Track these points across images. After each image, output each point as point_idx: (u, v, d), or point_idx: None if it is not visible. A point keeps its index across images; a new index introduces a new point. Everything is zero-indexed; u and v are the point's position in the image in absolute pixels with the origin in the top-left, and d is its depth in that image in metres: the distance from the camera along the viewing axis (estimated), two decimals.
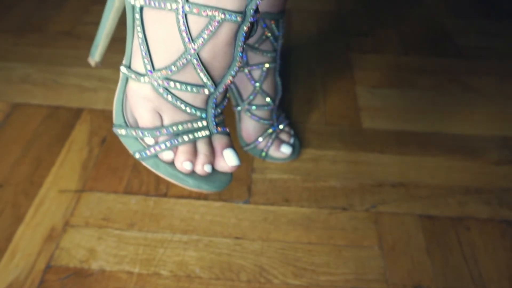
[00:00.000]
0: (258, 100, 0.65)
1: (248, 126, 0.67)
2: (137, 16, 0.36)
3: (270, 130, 0.67)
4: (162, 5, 0.34)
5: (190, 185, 0.40)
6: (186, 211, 0.61)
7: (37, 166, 0.66)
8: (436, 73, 0.87)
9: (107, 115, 0.75)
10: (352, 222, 0.60)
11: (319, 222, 0.60)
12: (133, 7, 0.37)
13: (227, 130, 0.42)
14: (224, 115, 0.43)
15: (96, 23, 0.99)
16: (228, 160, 0.40)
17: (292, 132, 0.69)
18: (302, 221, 0.60)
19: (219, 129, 0.40)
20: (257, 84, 0.63)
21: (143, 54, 0.37)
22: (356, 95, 0.81)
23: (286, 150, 0.66)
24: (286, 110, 0.77)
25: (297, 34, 0.98)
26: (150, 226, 0.59)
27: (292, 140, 0.68)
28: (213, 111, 0.39)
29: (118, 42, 0.93)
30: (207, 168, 0.39)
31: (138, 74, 0.38)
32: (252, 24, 0.36)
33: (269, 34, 0.60)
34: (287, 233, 0.59)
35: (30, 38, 0.93)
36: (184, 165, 0.39)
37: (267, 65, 0.62)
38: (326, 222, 0.60)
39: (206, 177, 0.40)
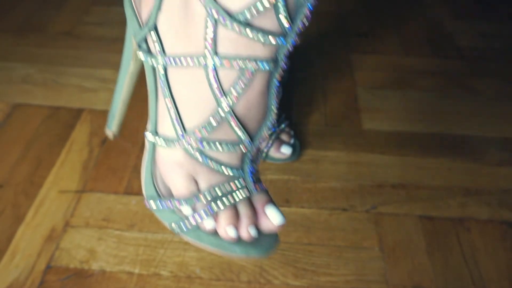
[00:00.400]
0: None
1: None
2: (162, 77, 0.33)
3: (270, 131, 0.66)
4: (190, 62, 0.31)
5: (238, 254, 0.36)
6: None
7: (37, 166, 0.66)
8: (437, 74, 0.87)
9: (107, 116, 0.75)
10: (353, 223, 0.60)
11: (319, 223, 0.60)
12: (154, 69, 0.34)
13: (264, 186, 0.38)
14: (259, 172, 0.40)
15: (97, 24, 0.99)
16: (273, 218, 0.36)
17: (292, 132, 0.69)
18: (303, 222, 0.60)
19: (257, 187, 0.36)
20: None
21: (172, 117, 0.34)
22: (356, 96, 0.81)
23: (286, 150, 0.66)
24: (286, 111, 0.77)
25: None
26: (151, 226, 0.59)
27: (292, 141, 0.68)
28: (250, 167, 0.36)
29: (121, 41, 0.93)
30: (253, 231, 0.35)
31: (168, 139, 0.35)
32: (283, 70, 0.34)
33: None
34: (287, 234, 0.59)
35: (31, 38, 0.93)
36: (228, 231, 0.35)
37: None
38: (327, 223, 0.60)
39: (253, 242, 0.36)
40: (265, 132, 0.35)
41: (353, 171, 0.67)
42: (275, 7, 0.29)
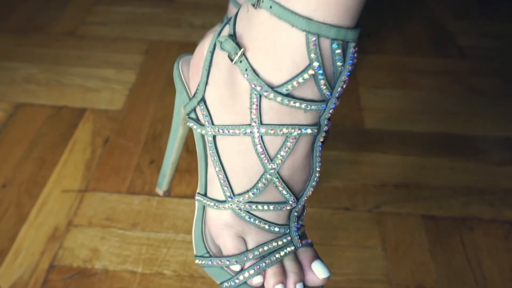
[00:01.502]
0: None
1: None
2: (211, 145, 0.36)
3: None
4: (237, 132, 0.34)
5: None
6: (190, 211, 0.61)
7: (40, 166, 0.66)
8: (439, 74, 0.87)
9: (110, 115, 0.75)
10: (355, 222, 0.60)
11: (322, 223, 0.60)
12: (203, 136, 0.36)
13: (310, 241, 0.40)
14: (305, 226, 0.41)
15: (99, 23, 0.99)
16: (318, 273, 0.37)
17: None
18: (305, 222, 0.60)
19: (302, 242, 0.38)
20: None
21: (222, 181, 0.36)
22: (358, 95, 0.81)
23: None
24: None
25: None
26: (153, 226, 0.59)
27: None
28: (295, 224, 0.38)
29: (122, 42, 0.94)
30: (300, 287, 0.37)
31: (217, 201, 0.37)
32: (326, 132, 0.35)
33: None
34: None
35: (33, 38, 0.94)
36: None
37: None
38: (329, 223, 0.60)
39: None
40: (311, 191, 0.37)
41: (355, 170, 0.67)
42: (314, 77, 0.31)
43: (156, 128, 0.73)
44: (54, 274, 0.53)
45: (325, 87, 0.32)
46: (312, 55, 0.30)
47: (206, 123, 0.36)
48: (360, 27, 0.31)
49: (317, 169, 0.36)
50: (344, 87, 0.33)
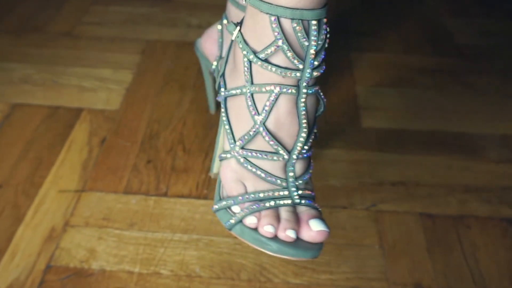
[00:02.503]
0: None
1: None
2: (222, 106, 0.44)
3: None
4: (237, 91, 0.42)
5: (273, 250, 0.40)
6: (187, 210, 0.61)
7: (37, 166, 0.66)
8: (436, 72, 0.87)
9: (106, 115, 0.75)
10: (353, 221, 0.60)
11: None
12: (221, 102, 0.45)
13: (317, 206, 0.43)
14: (314, 193, 0.44)
15: (96, 23, 0.99)
16: (314, 226, 0.40)
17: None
18: None
19: (303, 201, 0.42)
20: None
21: (227, 132, 0.44)
22: (356, 94, 0.81)
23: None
24: None
25: None
26: (150, 225, 0.59)
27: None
28: (293, 181, 0.42)
29: (119, 42, 0.93)
30: (291, 233, 0.39)
31: (226, 151, 0.44)
32: (316, 97, 0.43)
33: None
34: None
35: (30, 38, 0.93)
36: (265, 228, 0.40)
37: None
38: (327, 221, 0.60)
39: (292, 243, 0.40)
40: (299, 147, 0.41)
41: (353, 169, 0.67)
42: (281, 49, 0.39)
43: (153, 128, 0.73)
44: (51, 275, 0.53)
45: (293, 58, 0.39)
46: (275, 33, 0.38)
47: (222, 90, 0.44)
48: (325, 7, 0.39)
49: (304, 125, 0.41)
50: (319, 60, 0.40)
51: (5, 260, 0.55)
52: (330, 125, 0.75)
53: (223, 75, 0.45)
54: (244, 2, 0.41)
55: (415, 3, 1.10)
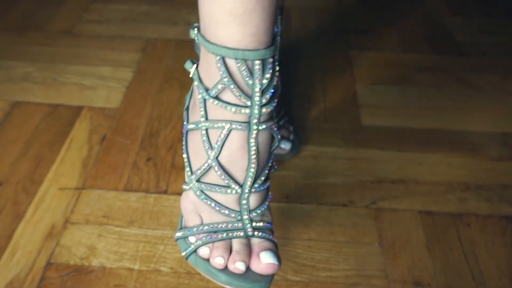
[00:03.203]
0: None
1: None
2: (184, 139, 0.46)
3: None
4: (194, 127, 0.44)
5: (222, 281, 0.41)
6: None
7: (37, 164, 0.66)
8: (436, 70, 0.87)
9: (106, 113, 0.75)
10: (352, 218, 0.60)
11: (319, 219, 0.60)
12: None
13: (272, 238, 0.44)
14: (272, 226, 0.45)
15: (96, 22, 0.99)
16: (264, 258, 0.41)
17: (291, 128, 0.69)
18: (302, 218, 0.60)
19: (256, 233, 0.43)
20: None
21: (186, 165, 0.45)
22: (356, 92, 0.81)
23: (285, 145, 0.66)
24: (286, 107, 0.77)
25: (297, 31, 0.98)
26: (150, 223, 0.59)
27: (291, 136, 0.68)
28: (246, 214, 0.43)
29: (119, 40, 0.93)
30: (239, 266, 0.40)
31: (186, 183, 0.45)
32: (270, 132, 0.43)
33: None
34: (287, 230, 0.59)
35: (30, 36, 0.94)
36: (216, 260, 0.41)
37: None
38: (326, 219, 0.60)
39: (241, 276, 0.41)
40: (250, 181, 0.42)
41: (352, 167, 0.67)
42: (228, 87, 0.40)
43: (153, 126, 0.73)
44: (51, 272, 0.53)
45: (240, 96, 0.40)
46: (220, 71, 0.39)
47: (184, 124, 0.46)
48: (270, 48, 0.39)
49: (252, 161, 0.42)
50: (267, 97, 0.41)
51: (5, 257, 0.55)
52: (330, 123, 0.75)
53: (187, 108, 0.47)
54: (197, 41, 0.42)
55: (414, 1, 1.10)
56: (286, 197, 0.63)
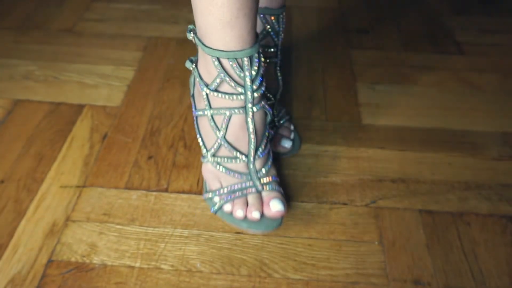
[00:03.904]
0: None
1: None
2: (195, 122, 0.57)
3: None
4: (201, 113, 0.54)
5: (244, 228, 0.55)
6: (187, 206, 0.61)
7: (38, 161, 0.67)
8: (437, 69, 0.87)
9: (108, 111, 0.75)
10: (353, 217, 0.60)
11: (319, 217, 0.60)
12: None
13: (278, 189, 0.56)
14: (277, 178, 0.57)
15: (97, 20, 0.99)
16: (273, 207, 0.54)
17: (292, 127, 0.69)
18: (303, 216, 0.60)
19: (265, 187, 0.55)
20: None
21: (201, 144, 0.57)
22: (356, 91, 0.81)
23: (286, 144, 0.66)
24: (287, 106, 0.77)
25: (298, 30, 0.98)
26: (151, 221, 0.59)
27: (292, 135, 0.68)
28: (255, 174, 0.55)
29: (120, 38, 0.94)
30: (255, 215, 0.54)
31: (203, 157, 0.57)
32: (264, 110, 0.54)
33: (270, 29, 0.60)
34: (287, 228, 0.59)
35: (32, 35, 0.94)
36: (237, 213, 0.54)
37: (267, 60, 0.62)
38: (327, 217, 0.60)
39: (258, 222, 0.54)
40: (252, 151, 0.54)
41: (353, 165, 0.67)
42: (224, 80, 0.50)
43: (154, 124, 0.73)
44: (52, 269, 0.54)
45: (235, 86, 0.50)
46: (217, 69, 0.49)
47: (193, 109, 0.57)
48: (254, 46, 0.49)
49: (252, 137, 0.53)
50: (257, 84, 0.51)
51: (7, 255, 0.55)
52: (330, 122, 0.75)
53: (193, 95, 0.57)
54: (194, 42, 0.51)
55: (415, 0, 1.10)
56: (287, 196, 0.63)
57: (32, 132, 0.71)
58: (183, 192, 0.63)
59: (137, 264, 0.54)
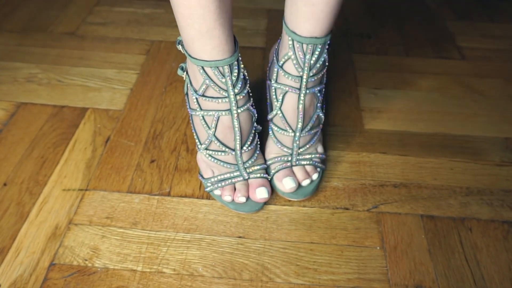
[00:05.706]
0: (277, 121, 0.63)
1: (268, 143, 0.65)
2: (190, 118, 0.62)
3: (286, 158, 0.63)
4: (193, 113, 0.59)
5: (231, 208, 0.61)
6: (189, 210, 0.61)
7: (41, 165, 0.67)
8: (439, 74, 0.88)
9: (110, 115, 0.76)
10: (354, 222, 0.60)
11: (321, 222, 0.60)
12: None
13: (264, 175, 0.62)
14: (264, 165, 0.63)
15: (100, 24, 0.99)
16: (258, 194, 0.60)
17: (319, 169, 0.65)
18: (304, 221, 0.60)
19: (251, 176, 0.62)
20: (276, 103, 0.61)
21: (195, 137, 0.62)
22: (358, 96, 0.82)
23: (287, 183, 0.61)
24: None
25: None
26: (153, 225, 0.59)
27: (314, 177, 0.63)
28: (242, 165, 0.61)
29: (123, 42, 0.94)
30: (240, 199, 0.61)
31: (198, 148, 0.62)
32: (249, 112, 0.59)
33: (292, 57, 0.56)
34: (289, 233, 0.59)
35: (35, 38, 0.94)
36: (225, 197, 0.61)
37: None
38: (328, 222, 0.60)
39: (243, 204, 0.61)
40: (238, 146, 0.60)
41: (355, 170, 0.67)
42: (210, 86, 0.56)
43: (156, 128, 0.74)
44: (54, 272, 0.54)
45: (219, 90, 0.56)
46: (202, 76, 0.55)
47: (187, 107, 0.62)
48: (234, 54, 0.54)
49: (237, 134, 0.59)
50: (238, 88, 0.56)
51: (9, 257, 0.55)
52: (332, 127, 0.75)
53: (186, 94, 0.61)
54: (182, 51, 0.56)
55: (417, 6, 1.10)
56: (289, 200, 0.63)
57: (35, 135, 0.71)
58: (186, 196, 0.63)
59: (139, 268, 0.54)
